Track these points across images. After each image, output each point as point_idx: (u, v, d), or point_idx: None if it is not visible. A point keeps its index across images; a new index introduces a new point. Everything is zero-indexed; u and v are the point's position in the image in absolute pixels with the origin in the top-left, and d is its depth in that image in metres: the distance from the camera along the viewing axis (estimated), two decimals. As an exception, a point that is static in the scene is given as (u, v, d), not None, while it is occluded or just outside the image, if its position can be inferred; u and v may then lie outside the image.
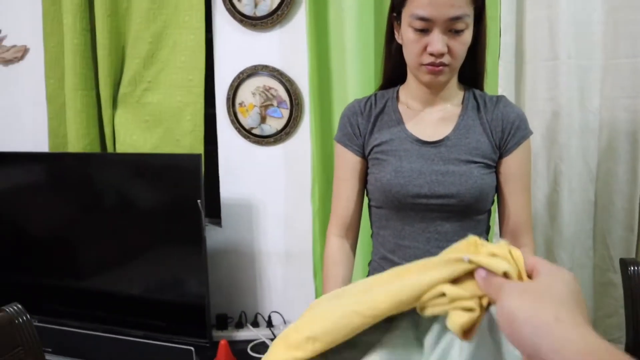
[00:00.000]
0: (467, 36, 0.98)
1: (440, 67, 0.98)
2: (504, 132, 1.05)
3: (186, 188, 1.71)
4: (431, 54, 0.96)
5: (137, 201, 1.84)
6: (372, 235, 1.17)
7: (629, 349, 1.21)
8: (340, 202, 1.14)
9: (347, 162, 1.12)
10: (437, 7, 0.93)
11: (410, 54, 1.01)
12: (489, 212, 1.10)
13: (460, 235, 1.00)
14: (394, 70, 1.13)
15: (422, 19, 0.94)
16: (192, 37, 1.87)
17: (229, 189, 2.01)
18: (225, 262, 2.04)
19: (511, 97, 1.62)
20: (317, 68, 1.71)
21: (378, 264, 1.13)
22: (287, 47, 1.85)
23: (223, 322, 1.97)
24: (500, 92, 1.62)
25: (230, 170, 2.00)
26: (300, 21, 1.80)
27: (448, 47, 0.96)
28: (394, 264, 1.06)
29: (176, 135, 1.97)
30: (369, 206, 1.16)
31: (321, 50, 1.72)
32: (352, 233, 1.16)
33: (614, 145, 1.63)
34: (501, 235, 1.10)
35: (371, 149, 1.09)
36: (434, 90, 1.07)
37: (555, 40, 1.59)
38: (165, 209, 1.79)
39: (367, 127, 1.10)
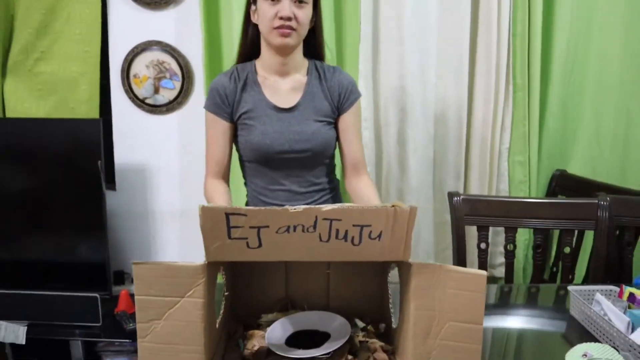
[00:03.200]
0: (308, 10, 1.31)
1: (289, 30, 1.28)
2: (340, 96, 1.40)
3: (86, 152, 1.91)
4: (281, 18, 1.26)
5: (38, 167, 1.98)
6: (245, 184, 1.50)
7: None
8: (213, 158, 1.40)
9: (217, 127, 1.39)
10: None
11: (264, 21, 1.30)
12: (333, 156, 1.49)
13: (315, 175, 1.45)
14: (250, 47, 1.41)
15: None
16: (87, 10, 2.07)
17: (123, 155, 2.24)
18: (121, 224, 2.26)
19: (369, 75, 2.08)
20: (209, 43, 2.02)
21: (251, 203, 1.48)
22: (180, 25, 2.13)
23: (120, 277, 2.20)
24: (360, 70, 2.06)
25: (124, 138, 2.23)
26: (191, 2, 2.09)
27: (294, 14, 1.27)
28: (266, 204, 1.42)
29: (71, 103, 2.15)
30: (241, 161, 1.48)
31: (212, 28, 2.03)
32: (225, 178, 1.44)
33: (446, 112, 2.16)
34: (344, 169, 1.45)
35: (239, 116, 1.37)
36: (284, 58, 1.35)
37: (402, 31, 2.07)
38: (65, 173, 1.97)
39: (234, 97, 1.37)
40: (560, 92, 2.20)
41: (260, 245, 0.78)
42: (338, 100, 1.41)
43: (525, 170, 2.20)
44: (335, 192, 1.51)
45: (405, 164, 2.15)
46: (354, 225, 0.77)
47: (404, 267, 0.87)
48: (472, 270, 0.81)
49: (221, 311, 0.97)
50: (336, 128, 1.44)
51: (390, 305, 0.98)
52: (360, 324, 1.07)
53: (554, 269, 2.08)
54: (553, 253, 2.20)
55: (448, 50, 2.11)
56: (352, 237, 0.78)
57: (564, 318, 1.24)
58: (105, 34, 2.14)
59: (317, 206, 0.76)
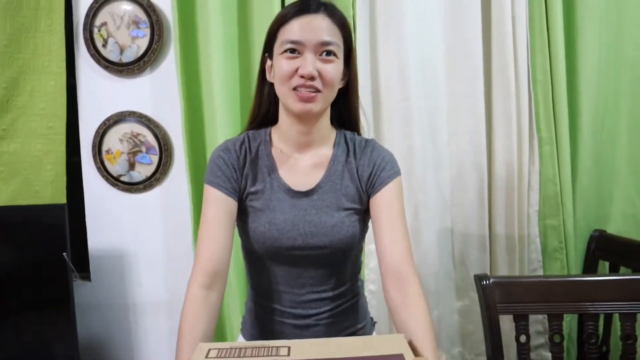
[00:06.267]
0: (338, 66, 1.07)
1: (312, 94, 1.04)
2: (370, 175, 1.12)
3: (50, 242, 1.73)
4: (302, 76, 1.03)
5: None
6: (246, 273, 1.25)
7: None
8: (209, 246, 1.07)
9: (219, 205, 1.10)
10: (308, 31, 1.05)
11: (281, 80, 1.06)
12: (360, 253, 1.23)
13: (333, 277, 1.17)
14: (266, 109, 1.17)
15: (293, 42, 1.05)
16: (52, 82, 1.93)
17: (97, 241, 2.04)
18: (98, 318, 2.03)
19: (371, 135, 1.88)
20: (189, 112, 1.85)
21: (254, 305, 1.22)
22: (155, 93, 1.98)
23: (96, 383, 1.95)
24: (361, 129, 1.87)
25: (98, 221, 2.04)
26: (167, 68, 1.95)
27: (319, 71, 1.04)
28: (269, 308, 1.17)
29: (35, 186, 1.97)
30: (243, 248, 1.22)
31: (191, 95, 1.87)
32: (219, 284, 1.07)
33: (463, 175, 1.95)
34: (382, 275, 1.08)
35: (247, 195, 1.13)
36: (306, 127, 1.12)
37: (406, 84, 1.89)
38: (28, 267, 1.77)
39: (242, 171, 1.13)
40: (592, 143, 2.01)
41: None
42: (367, 181, 1.13)
43: (559, 235, 1.97)
44: (357, 299, 1.23)
45: (419, 236, 1.93)
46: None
47: None
48: None
49: None
50: (371, 217, 1.15)
51: None
52: None
53: None
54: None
55: (461, 106, 1.94)
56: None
57: None
58: (74, 107, 1.99)
59: None
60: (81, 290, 1.96)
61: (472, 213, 1.95)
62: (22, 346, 1.79)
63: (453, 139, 1.95)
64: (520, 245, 1.95)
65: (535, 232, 1.98)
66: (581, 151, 2.00)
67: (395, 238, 1.08)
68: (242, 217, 1.14)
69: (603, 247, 2.03)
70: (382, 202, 1.11)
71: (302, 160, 1.15)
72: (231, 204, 1.11)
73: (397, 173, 1.14)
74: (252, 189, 1.13)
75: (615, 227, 2.06)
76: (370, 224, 1.17)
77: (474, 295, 1.93)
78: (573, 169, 1.99)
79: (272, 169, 1.14)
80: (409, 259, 1.07)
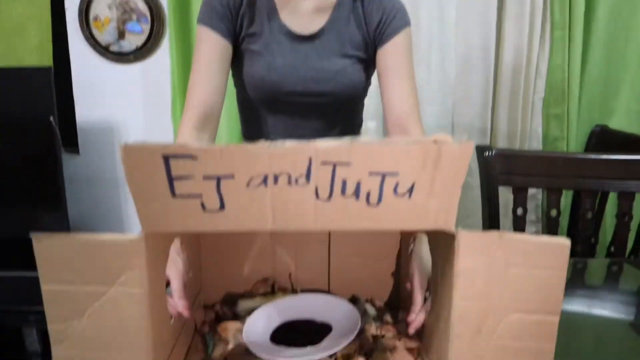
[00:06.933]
0: None
1: None
2: (379, 23, 1.05)
3: (37, 107, 1.67)
4: None
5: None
6: (240, 126, 1.22)
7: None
8: (200, 89, 1.02)
9: (213, 46, 1.03)
10: None
11: None
12: (361, 105, 1.21)
13: (334, 130, 1.12)
14: None
15: None
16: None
17: (85, 113, 1.98)
18: (86, 192, 2.02)
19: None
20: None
21: None
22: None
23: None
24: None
25: (87, 93, 1.97)
26: None
27: None
28: None
29: (19, 52, 1.88)
30: (239, 103, 1.18)
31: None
32: (212, 127, 1.03)
33: (469, 56, 1.89)
34: (387, 127, 1.07)
35: (243, 38, 1.06)
36: None
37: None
38: (15, 136, 1.73)
39: (239, 11, 1.05)
40: (606, 33, 1.93)
41: (222, 207, 0.52)
42: (376, 29, 1.06)
43: (562, 124, 1.94)
44: None
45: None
46: (370, 174, 0.51)
47: (442, 239, 0.62)
48: (547, 238, 0.56)
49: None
50: (377, 67, 1.10)
51: (427, 294, 0.74)
52: (372, 311, 0.83)
53: (593, 240, 1.84)
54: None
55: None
56: (368, 193, 0.52)
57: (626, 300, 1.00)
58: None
59: (313, 142, 0.50)
60: (70, 164, 1.93)
61: (475, 95, 1.90)
62: (10, 220, 1.78)
63: (461, 17, 1.86)
64: (522, 133, 1.93)
65: (538, 121, 1.94)
66: (594, 40, 1.93)
67: (403, 91, 1.04)
68: (239, 61, 1.09)
69: (603, 142, 2.01)
70: (391, 52, 1.05)
71: (305, 2, 1.07)
72: (225, 46, 1.04)
73: (408, 23, 1.07)
74: (250, 31, 1.06)
75: (618, 123, 2.03)
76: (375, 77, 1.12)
77: (471, 180, 1.91)
78: (583, 58, 1.92)
79: (272, 10, 1.06)
80: (416, 113, 1.05)
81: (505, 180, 1.34)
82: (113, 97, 1.96)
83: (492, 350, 0.59)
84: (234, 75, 1.13)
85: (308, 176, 0.50)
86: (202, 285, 0.87)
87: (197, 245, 0.84)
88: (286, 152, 0.50)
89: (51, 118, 1.63)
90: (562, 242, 0.55)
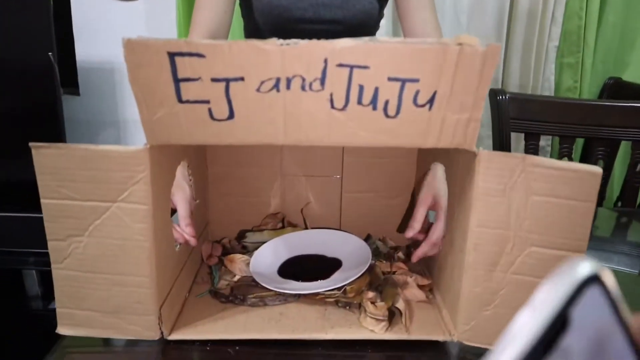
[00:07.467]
0: None
1: None
2: None
3: (34, 42, 1.61)
4: None
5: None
6: None
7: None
8: (205, 12, 0.97)
9: None
10: None
11: None
12: (374, 31, 1.13)
13: None
14: None
15: None
16: None
17: (86, 52, 1.92)
18: (87, 135, 1.98)
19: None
20: None
21: None
22: None
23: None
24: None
25: (86, 31, 1.90)
26: None
27: None
28: None
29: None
30: (245, 29, 1.13)
31: None
32: None
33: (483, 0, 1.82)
34: None
35: None
36: None
37: None
38: (12, 73, 1.66)
39: None
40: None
41: (231, 115, 0.49)
42: None
43: (575, 74, 1.88)
44: None
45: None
46: (389, 79, 0.47)
47: (460, 159, 0.59)
48: (577, 165, 0.53)
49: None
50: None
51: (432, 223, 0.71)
52: (385, 248, 0.81)
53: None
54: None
55: None
56: (386, 102, 0.49)
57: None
58: None
59: (329, 41, 0.46)
60: (70, 105, 1.88)
61: (488, 41, 1.83)
62: (9, 163, 1.75)
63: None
64: (534, 82, 1.87)
65: (551, 70, 1.88)
66: (613, -14, 1.85)
67: (420, 18, 1.00)
68: None
69: (616, 95, 1.96)
70: None
71: None
72: None
73: None
74: None
75: (632, 76, 1.98)
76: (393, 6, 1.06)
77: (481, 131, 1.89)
78: (601, 5, 1.85)
79: None
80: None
81: (518, 126, 1.31)
82: (115, 35, 1.90)
83: (508, 284, 0.57)
84: (241, 5, 1.08)
85: (323, 80, 0.47)
86: (210, 221, 0.85)
87: (204, 177, 0.82)
88: (301, 51, 0.46)
89: (50, 54, 1.58)
90: (594, 170, 0.52)
